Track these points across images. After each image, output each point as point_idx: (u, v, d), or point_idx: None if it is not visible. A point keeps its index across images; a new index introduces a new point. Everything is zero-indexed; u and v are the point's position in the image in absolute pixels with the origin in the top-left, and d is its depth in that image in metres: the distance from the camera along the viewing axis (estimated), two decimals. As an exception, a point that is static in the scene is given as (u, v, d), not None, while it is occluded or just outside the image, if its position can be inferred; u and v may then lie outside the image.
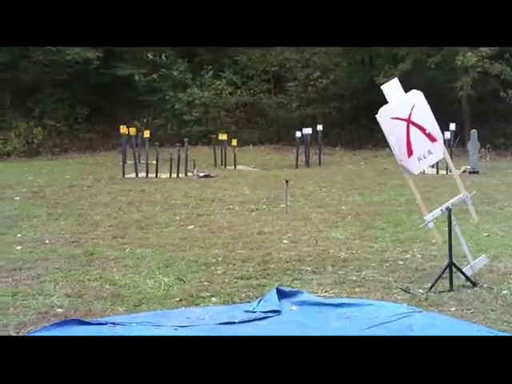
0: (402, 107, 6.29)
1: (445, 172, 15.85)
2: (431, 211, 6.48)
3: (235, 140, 19.47)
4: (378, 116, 6.24)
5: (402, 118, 6.25)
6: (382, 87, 6.43)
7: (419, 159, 6.32)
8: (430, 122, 6.36)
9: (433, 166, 15.43)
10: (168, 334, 4.79)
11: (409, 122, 6.25)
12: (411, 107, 6.28)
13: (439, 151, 6.48)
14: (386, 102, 6.41)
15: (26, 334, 4.92)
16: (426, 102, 6.40)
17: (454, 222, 6.29)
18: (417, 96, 6.42)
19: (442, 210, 6.37)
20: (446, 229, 6.30)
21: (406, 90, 6.47)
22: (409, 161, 6.27)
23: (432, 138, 6.34)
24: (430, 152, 6.35)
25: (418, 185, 6.88)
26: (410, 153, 6.25)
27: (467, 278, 6.24)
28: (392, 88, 6.38)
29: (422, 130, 6.29)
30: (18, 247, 8.08)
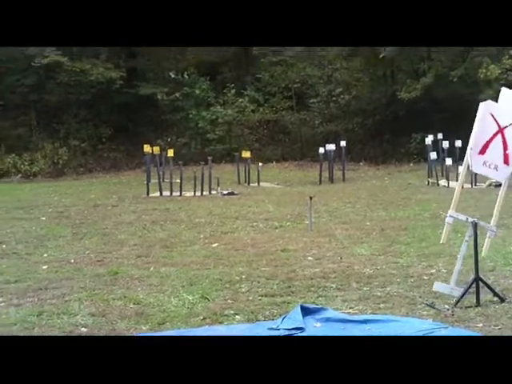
0: (506, 115, 6.30)
1: (470, 186, 15.72)
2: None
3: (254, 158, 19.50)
4: (482, 103, 6.30)
5: (498, 122, 6.26)
6: (503, 89, 6.48)
7: (484, 164, 6.31)
8: None
9: (457, 179, 15.32)
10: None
11: (501, 130, 6.27)
12: (511, 123, 6.28)
13: (503, 175, 6.43)
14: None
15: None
16: None
17: (467, 238, 6.23)
18: None
19: (467, 218, 6.33)
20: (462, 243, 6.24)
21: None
22: (476, 157, 6.28)
23: (506, 160, 6.31)
24: (496, 168, 6.33)
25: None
26: (482, 151, 6.28)
27: (495, 293, 6.16)
28: (509, 95, 6.40)
29: (505, 146, 6.28)
30: (44, 267, 8.15)
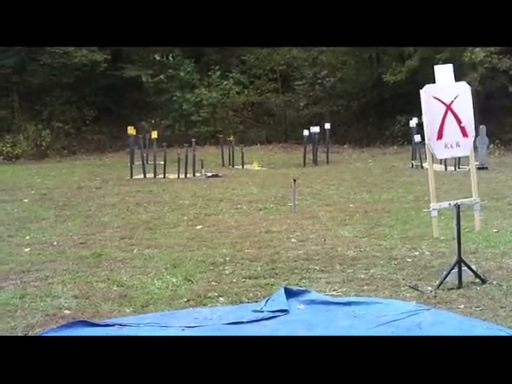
0: (447, 92, 6.31)
1: (453, 168, 15.80)
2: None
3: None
4: (422, 91, 6.29)
5: (443, 101, 6.26)
6: (436, 67, 6.46)
7: (446, 146, 6.33)
8: (468, 118, 6.37)
9: (441, 162, 15.39)
10: (175, 335, 4.78)
11: (448, 108, 6.28)
12: (455, 96, 6.31)
13: (467, 148, 6.47)
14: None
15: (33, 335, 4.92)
16: (470, 97, 6.42)
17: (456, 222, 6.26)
18: (464, 88, 6.44)
19: (449, 203, 6.36)
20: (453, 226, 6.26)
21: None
22: (436, 143, 6.29)
23: (464, 133, 6.35)
24: (458, 144, 6.35)
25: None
26: (439, 136, 6.28)
27: (476, 275, 6.20)
28: (444, 71, 6.40)
29: (458, 121, 6.31)
30: (27, 249, 8.09)
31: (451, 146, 6.34)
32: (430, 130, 6.27)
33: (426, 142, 6.37)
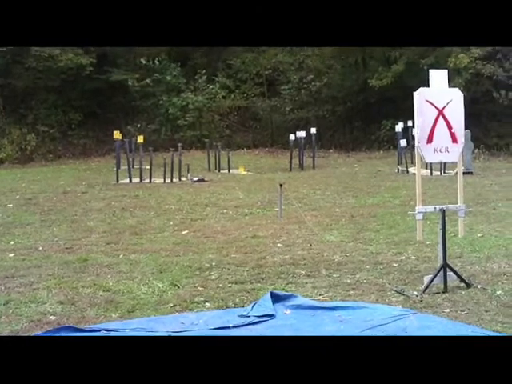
0: (440, 96, 6.35)
1: (439, 173, 15.88)
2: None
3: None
4: (415, 93, 6.31)
5: (435, 105, 6.30)
6: (431, 71, 6.49)
7: (435, 150, 6.37)
8: (459, 124, 6.41)
9: (426, 167, 15.47)
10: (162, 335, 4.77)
11: (440, 112, 6.32)
12: (448, 101, 6.35)
13: (455, 154, 6.50)
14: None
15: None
16: (462, 104, 6.46)
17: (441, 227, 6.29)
18: (457, 95, 6.49)
19: (435, 207, 6.40)
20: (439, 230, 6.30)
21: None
22: (425, 147, 6.33)
23: (454, 139, 6.39)
24: (447, 150, 6.39)
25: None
26: (429, 140, 6.32)
27: (461, 279, 6.24)
28: (439, 76, 6.45)
29: (449, 126, 6.35)
30: (11, 255, 8.04)
31: (440, 151, 6.38)
32: (420, 133, 6.30)
33: (416, 144, 6.41)
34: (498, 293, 5.96)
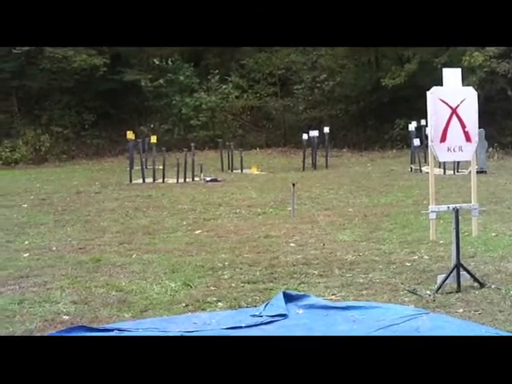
0: (454, 96, 6.31)
1: (452, 172, 15.81)
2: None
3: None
4: (428, 92, 6.28)
5: (449, 104, 6.27)
6: (444, 70, 6.45)
7: (448, 149, 6.34)
8: (473, 123, 6.37)
9: (440, 166, 15.40)
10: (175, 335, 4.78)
11: (454, 111, 6.28)
12: (462, 100, 6.31)
13: (469, 153, 6.46)
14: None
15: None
16: (476, 102, 6.43)
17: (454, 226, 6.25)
18: (471, 94, 6.45)
19: (448, 207, 6.36)
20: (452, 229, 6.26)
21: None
22: (439, 146, 6.29)
23: (468, 138, 6.34)
24: (460, 149, 6.36)
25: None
26: (443, 139, 6.28)
27: (475, 279, 6.20)
28: (452, 75, 6.40)
29: (463, 125, 6.31)
30: (25, 254, 8.09)
31: (454, 150, 6.35)
32: (433, 132, 6.27)
33: (429, 144, 6.38)
34: (512, 292, 5.92)
